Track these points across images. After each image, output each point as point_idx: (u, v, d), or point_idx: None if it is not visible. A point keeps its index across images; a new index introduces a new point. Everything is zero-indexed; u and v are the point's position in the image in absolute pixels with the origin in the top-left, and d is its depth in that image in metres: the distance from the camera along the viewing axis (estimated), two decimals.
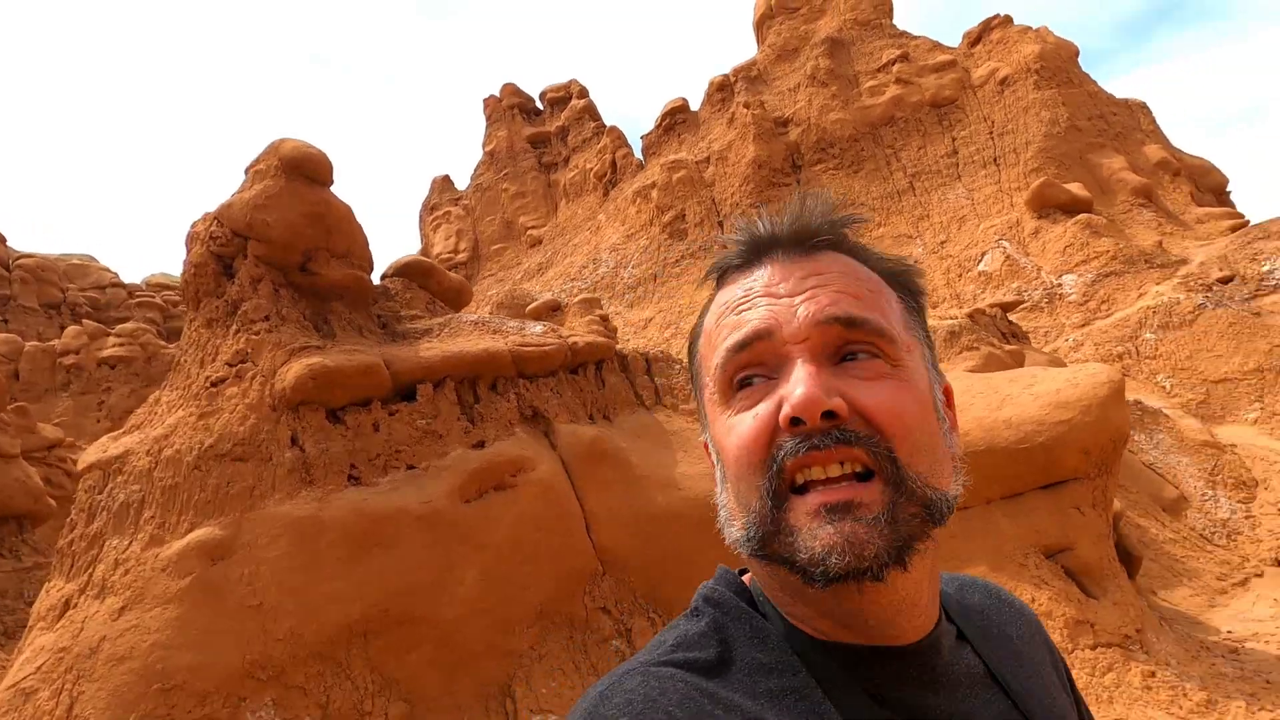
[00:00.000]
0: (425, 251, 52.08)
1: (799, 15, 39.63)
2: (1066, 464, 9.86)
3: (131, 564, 7.56)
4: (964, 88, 33.52)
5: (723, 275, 0.95)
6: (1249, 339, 21.05)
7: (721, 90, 39.61)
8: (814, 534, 0.77)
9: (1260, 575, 15.32)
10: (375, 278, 11.10)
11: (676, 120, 41.09)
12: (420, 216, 55.52)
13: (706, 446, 0.97)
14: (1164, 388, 21.37)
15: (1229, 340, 21.28)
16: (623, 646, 9.42)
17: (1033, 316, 25.17)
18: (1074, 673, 8.40)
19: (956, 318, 17.57)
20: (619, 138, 45.31)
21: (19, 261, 41.81)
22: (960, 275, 28.40)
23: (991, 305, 19.85)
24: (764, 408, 0.82)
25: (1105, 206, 28.42)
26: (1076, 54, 33.15)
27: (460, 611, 8.26)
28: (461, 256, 49.16)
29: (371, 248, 10.53)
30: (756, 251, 0.92)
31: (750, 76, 38.59)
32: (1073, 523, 9.95)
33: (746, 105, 35.20)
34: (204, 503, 7.77)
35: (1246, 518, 17.34)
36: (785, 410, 0.79)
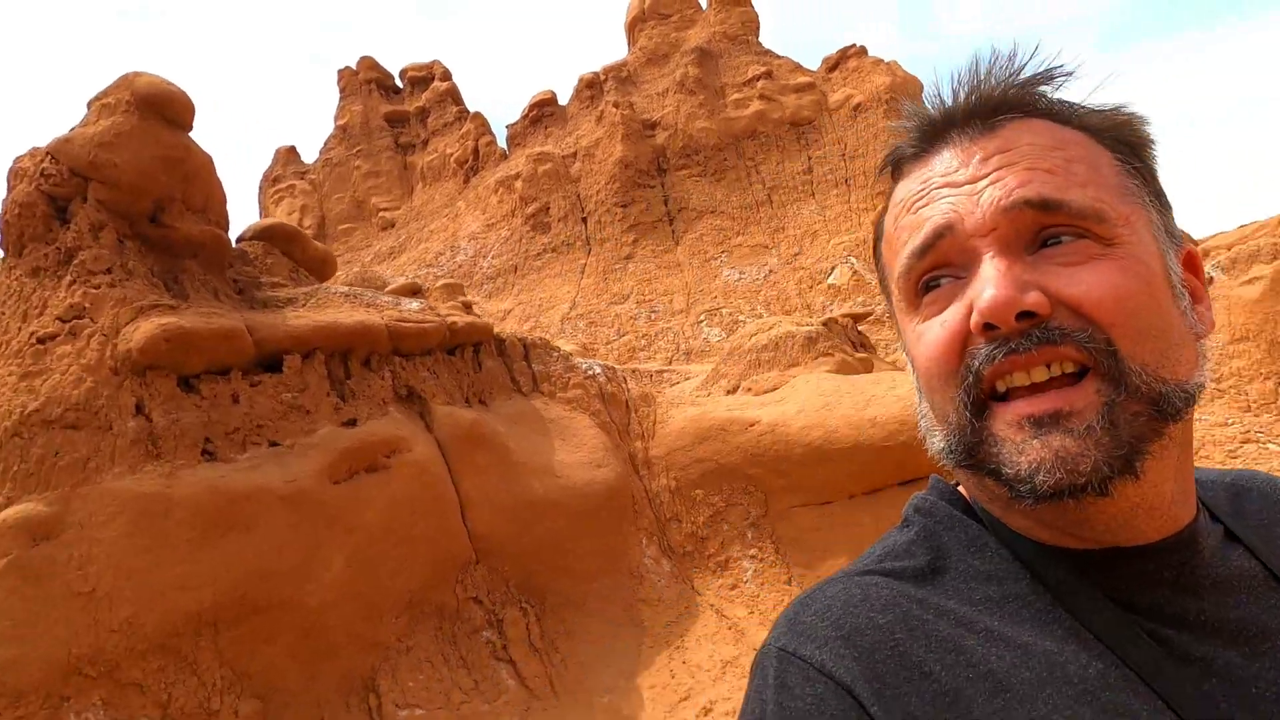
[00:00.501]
0: None
1: (670, 22, 40.27)
2: (923, 462, 10.49)
3: None
4: (821, 110, 35.26)
5: (898, 168, 0.84)
6: None
7: (591, 88, 39.54)
8: (1019, 448, 0.69)
9: None
10: (231, 240, 10.15)
11: (544, 113, 40.61)
12: (260, 188, 51.74)
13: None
14: None
15: None
16: (494, 637, 9.09)
17: (875, 329, 26.82)
18: None
19: (813, 325, 18.40)
20: (483, 125, 44.21)
21: None
22: (811, 286, 29.81)
23: (844, 315, 20.94)
24: (952, 313, 0.73)
25: None
26: (921, 89, 35.72)
27: (325, 599, 7.67)
28: (306, 233, 46.29)
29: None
30: (932, 135, 0.80)
31: (620, 77, 38.78)
32: None
33: (616, 105, 35.34)
34: (25, 475, 6.76)
35: None
36: (974, 316, 0.70)
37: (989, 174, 0.74)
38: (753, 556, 10.73)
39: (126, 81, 8.12)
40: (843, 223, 32.00)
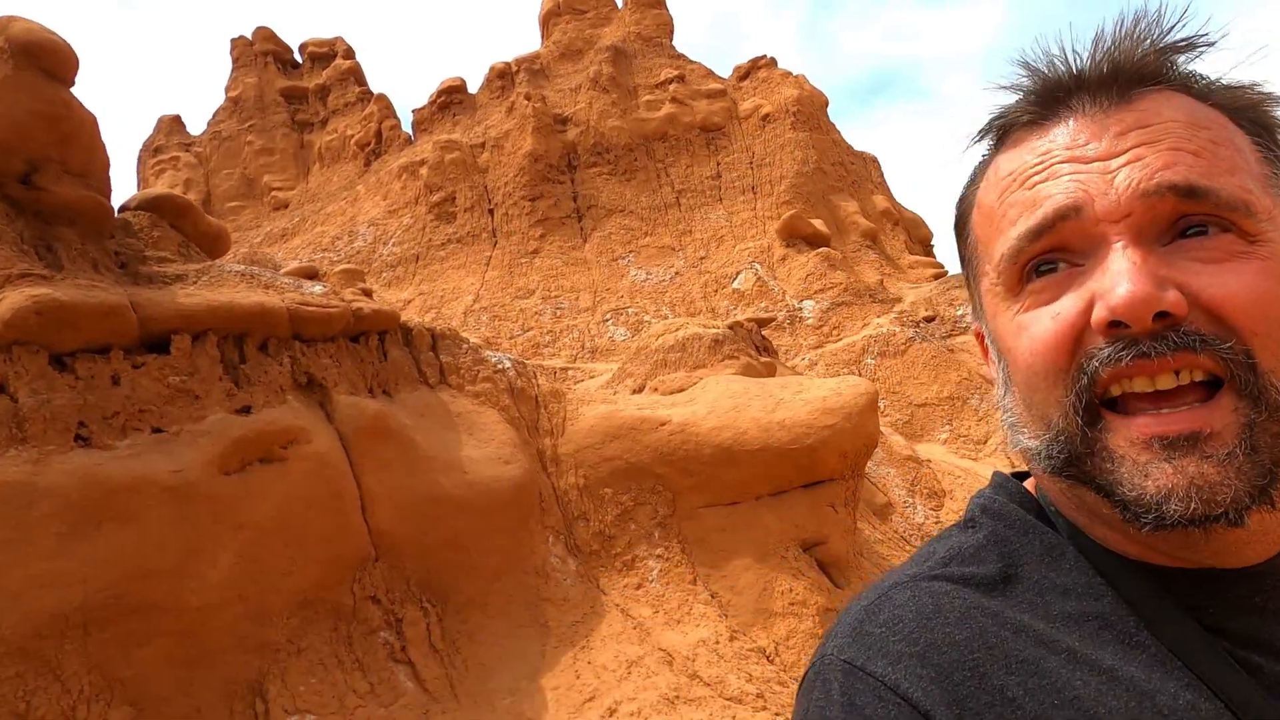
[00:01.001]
0: None
1: (585, 18, 40.07)
2: (827, 465, 10.75)
3: None
4: (731, 117, 35.84)
5: (1004, 134, 0.75)
6: (945, 370, 24.54)
7: (502, 78, 38.86)
8: (1145, 470, 0.63)
9: None
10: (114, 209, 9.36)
11: (453, 100, 39.62)
12: (140, 158, 48.40)
13: (980, 336, 0.81)
14: (879, 408, 24.28)
15: (930, 370, 24.67)
16: (392, 638, 8.71)
17: (777, 335, 27.43)
18: None
19: (719, 328, 18.62)
20: (387, 107, 42.77)
21: None
22: (716, 290, 30.24)
23: (749, 320, 21.32)
24: (1068, 305, 0.66)
25: (840, 244, 31.79)
26: (826, 104, 36.83)
27: (209, 600, 7.15)
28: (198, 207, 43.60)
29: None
30: (1053, 100, 0.72)
31: (533, 69, 38.29)
32: (827, 519, 10.86)
33: (528, 97, 34.85)
34: None
35: (936, 523, 20.15)
36: (1100, 312, 0.63)
37: (1127, 150, 0.66)
38: (659, 556, 10.72)
39: (1, 24, 7.35)
40: (749, 229, 32.60)
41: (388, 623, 8.74)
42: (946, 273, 32.88)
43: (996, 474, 0.83)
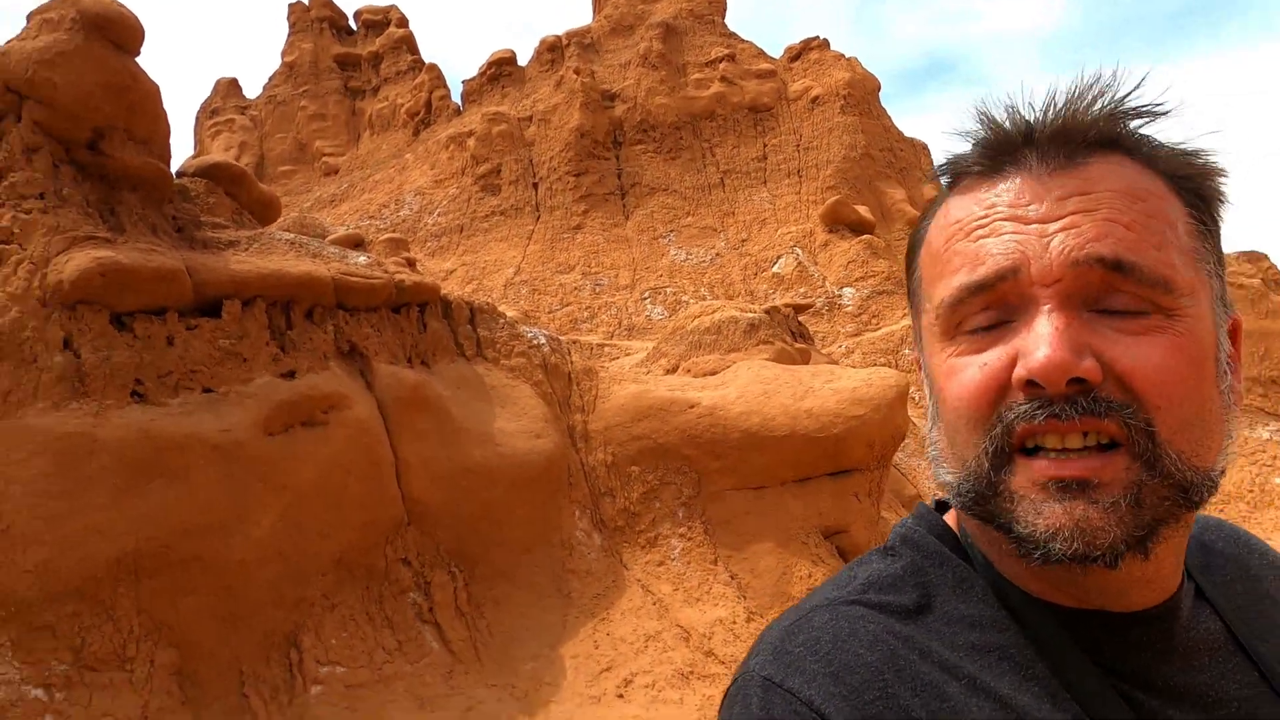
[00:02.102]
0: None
1: None
2: (853, 455, 10.84)
3: None
4: (780, 99, 35.48)
5: (956, 178, 0.78)
6: None
7: (552, 51, 38.91)
8: (1038, 509, 0.67)
9: None
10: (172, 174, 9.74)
11: (502, 72, 39.80)
12: (198, 119, 49.46)
13: (918, 363, 0.85)
14: (914, 399, 24.11)
15: None
16: (421, 600, 9.07)
17: (814, 321, 27.32)
18: None
19: (756, 312, 18.66)
20: (438, 77, 43.10)
21: None
22: (756, 274, 30.16)
23: (786, 305, 21.29)
24: (994, 357, 0.69)
25: (884, 231, 31.43)
26: (878, 88, 36.24)
27: (250, 556, 7.53)
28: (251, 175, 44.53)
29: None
30: (1003, 154, 0.73)
31: (584, 44, 38.25)
32: (851, 508, 10.97)
33: (577, 72, 34.87)
34: None
35: None
36: (1019, 371, 0.67)
37: (1065, 215, 0.69)
38: (682, 535, 10.93)
39: None
40: (792, 213, 32.38)
41: (417, 585, 9.09)
42: None
43: (920, 505, 0.88)
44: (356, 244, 21.62)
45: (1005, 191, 0.72)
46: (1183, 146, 0.74)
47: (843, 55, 36.18)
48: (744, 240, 31.72)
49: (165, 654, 6.98)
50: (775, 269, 30.12)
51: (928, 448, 0.80)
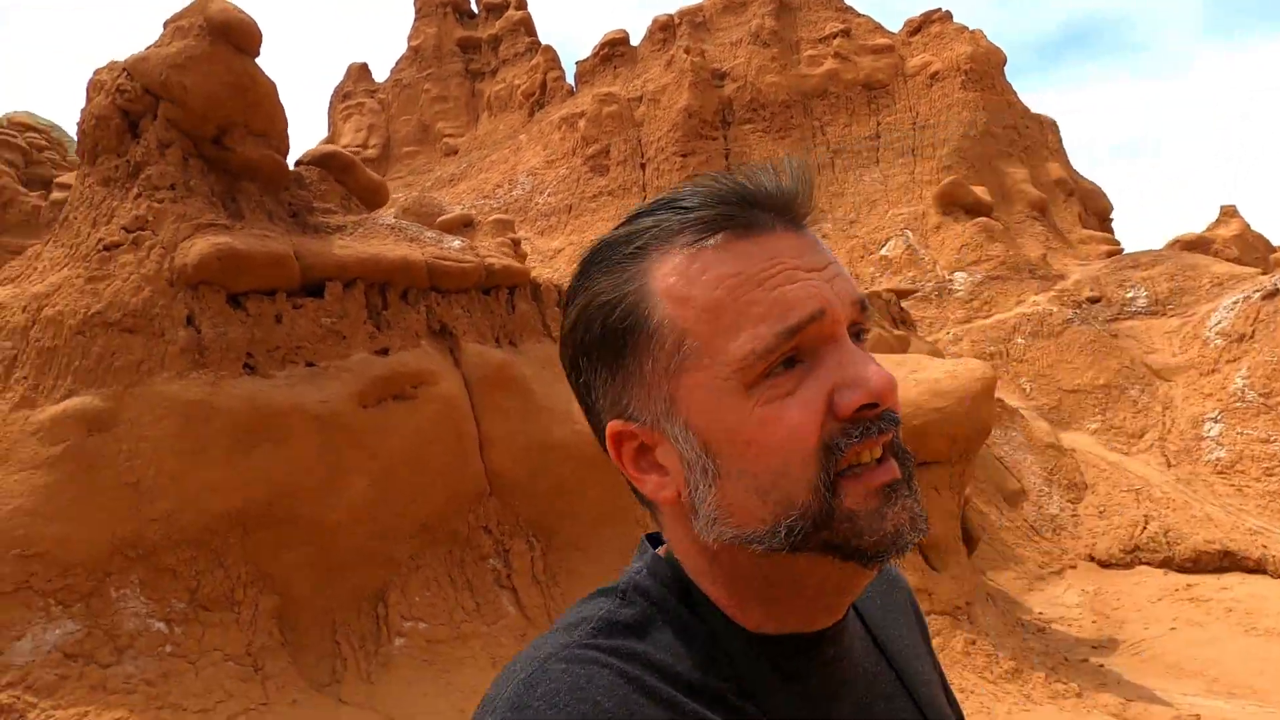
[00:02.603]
0: (332, 141, 49.40)
1: None
2: (933, 447, 10.68)
3: None
4: (896, 74, 34.33)
5: (703, 233, 0.78)
6: (1103, 357, 22.98)
7: (664, 30, 38.99)
8: (881, 514, 0.75)
9: (1074, 568, 17.14)
10: (290, 163, 10.60)
11: (615, 52, 40.24)
12: (331, 103, 52.42)
13: (621, 436, 0.80)
14: (1024, 390, 23.13)
15: (1086, 355, 23.17)
16: (499, 566, 9.67)
17: (921, 306, 26.54)
18: None
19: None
20: (552, 59, 44.00)
21: None
22: (863, 256, 29.51)
23: (888, 290, 20.83)
24: (811, 394, 0.74)
25: (1003, 214, 30.04)
26: (1003, 62, 34.45)
27: (344, 517, 8.26)
28: (371, 152, 46.94)
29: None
30: (759, 211, 0.78)
31: (695, 22, 38.13)
32: (929, 501, 10.82)
33: (687, 51, 34.85)
34: (85, 370, 7.39)
35: (1072, 516, 19.20)
36: (856, 396, 0.73)
37: (828, 265, 0.78)
38: None
39: (199, 6, 8.49)
40: (904, 194, 31.42)
41: (496, 552, 9.69)
42: (1121, 250, 30.39)
43: (650, 551, 0.90)
44: (466, 224, 22.61)
45: (779, 245, 0.77)
46: None
47: (966, 28, 34.56)
48: (852, 221, 31.05)
49: (268, 600, 7.81)
50: (883, 251, 29.38)
51: (700, 510, 0.77)
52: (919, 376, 11.11)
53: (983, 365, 11.14)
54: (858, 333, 0.78)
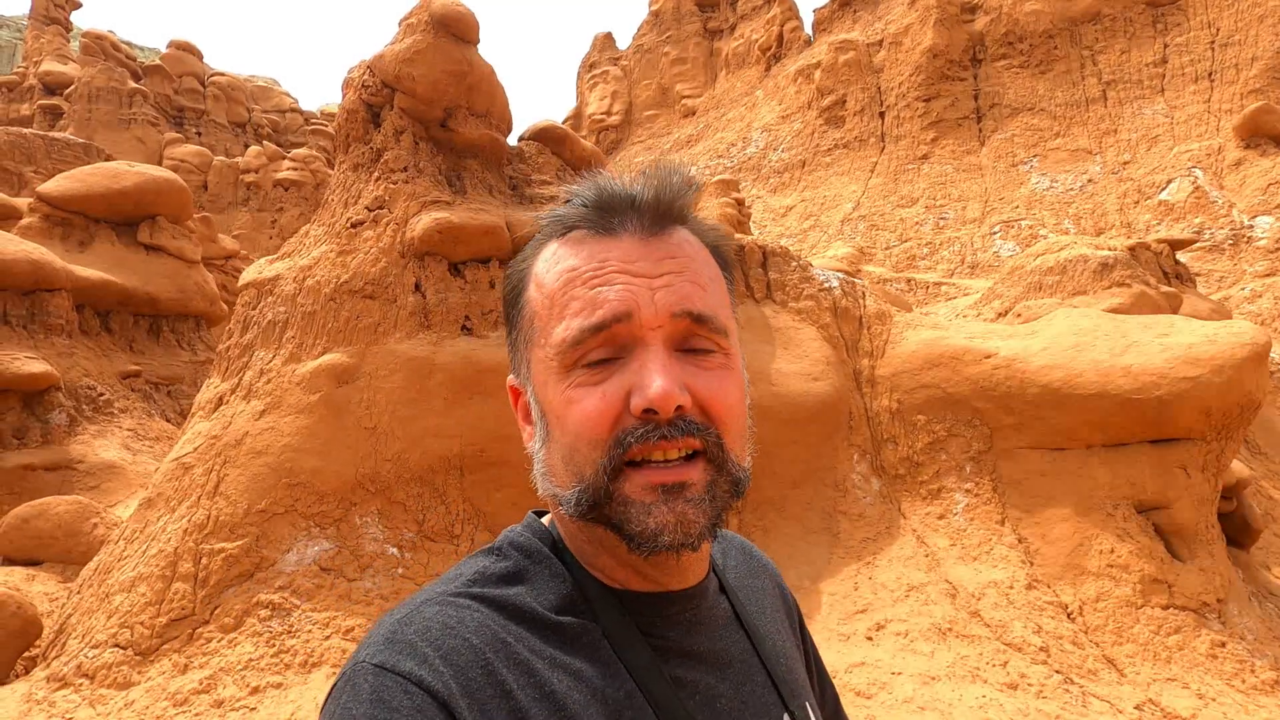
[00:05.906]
0: (580, 110, 52.06)
1: None
2: (1181, 422, 9.35)
3: (273, 375, 8.67)
4: None
5: (568, 229, 0.91)
6: None
7: None
8: (648, 510, 0.82)
9: None
10: (513, 139, 11.50)
11: None
12: (579, 74, 55.11)
13: (515, 390, 0.97)
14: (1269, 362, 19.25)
15: None
16: None
17: (1210, 258, 22.92)
18: (1137, 627, 8.26)
19: (1114, 250, 16.32)
20: (790, 9, 42.73)
21: (212, 79, 44.96)
22: (1137, 202, 25.93)
23: (1159, 240, 18.22)
24: (612, 388, 0.83)
25: None
26: None
27: None
28: (614, 119, 48.89)
29: (515, 106, 10.88)
30: (611, 215, 0.88)
31: None
32: (1175, 482, 9.53)
33: None
34: (336, 331, 8.70)
35: None
36: (639, 401, 0.81)
37: (664, 274, 0.85)
38: (967, 490, 10.46)
39: (425, 3, 9.44)
40: (1195, 126, 27.09)
41: None
42: None
43: (530, 513, 1.03)
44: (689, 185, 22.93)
45: (616, 248, 0.86)
46: (710, 223, 0.95)
47: None
48: (1125, 163, 27.33)
49: (483, 535, 8.78)
50: (1164, 195, 25.61)
51: (535, 465, 0.91)
52: (1168, 340, 9.74)
53: (1253, 329, 9.51)
54: (691, 343, 0.85)
